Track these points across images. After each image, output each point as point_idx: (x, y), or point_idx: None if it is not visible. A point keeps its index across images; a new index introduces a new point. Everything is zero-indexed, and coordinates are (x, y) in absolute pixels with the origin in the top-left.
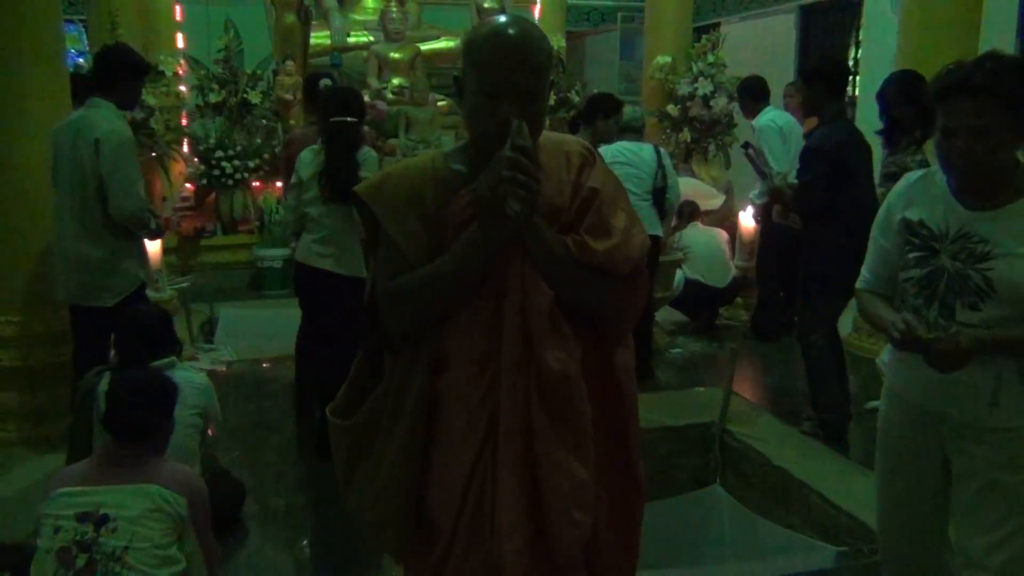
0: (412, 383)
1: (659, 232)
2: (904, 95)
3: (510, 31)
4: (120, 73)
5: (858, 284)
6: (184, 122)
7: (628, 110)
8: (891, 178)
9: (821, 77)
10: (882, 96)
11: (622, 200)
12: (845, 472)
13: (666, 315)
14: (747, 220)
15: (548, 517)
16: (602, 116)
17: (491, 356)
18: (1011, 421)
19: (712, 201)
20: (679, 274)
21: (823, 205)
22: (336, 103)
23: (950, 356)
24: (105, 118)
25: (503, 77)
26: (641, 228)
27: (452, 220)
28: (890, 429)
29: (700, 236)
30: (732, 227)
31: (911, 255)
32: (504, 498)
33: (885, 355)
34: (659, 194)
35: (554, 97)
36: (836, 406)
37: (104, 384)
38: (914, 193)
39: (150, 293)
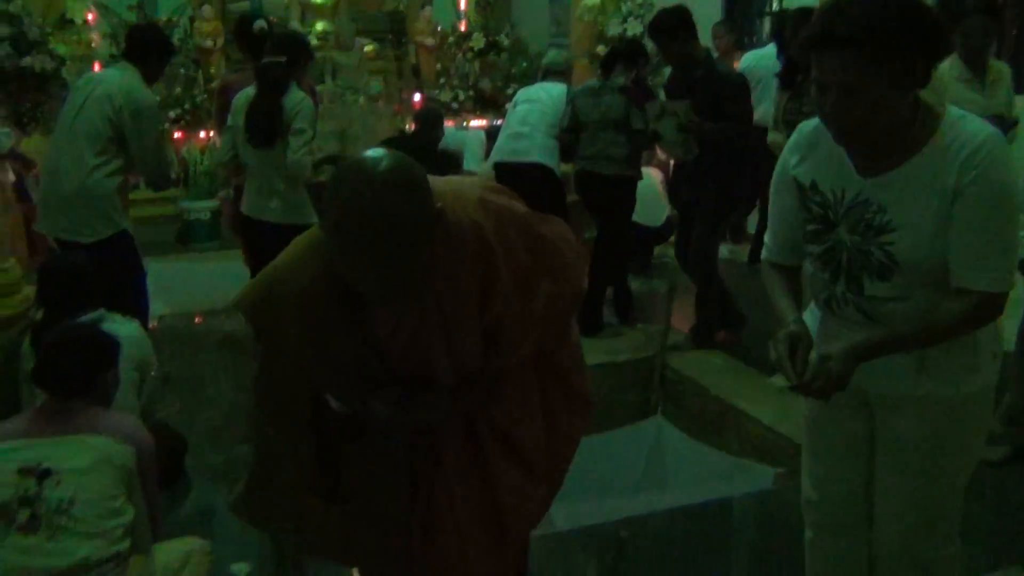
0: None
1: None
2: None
3: (364, 232)
4: (152, 49)
5: (763, 253)
6: None
7: (551, 53)
8: (789, 125)
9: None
10: (778, 35)
11: (542, 264)
12: (779, 397)
13: None
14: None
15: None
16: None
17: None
18: (939, 390)
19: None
20: None
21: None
22: (273, 44)
23: (827, 388)
24: (134, 84)
25: (367, 287)
26: (568, 281)
27: None
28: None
29: None
30: (666, 165)
31: (808, 228)
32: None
33: (807, 314)
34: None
35: (483, 40)
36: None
37: (27, 343)
38: (806, 149)
39: None
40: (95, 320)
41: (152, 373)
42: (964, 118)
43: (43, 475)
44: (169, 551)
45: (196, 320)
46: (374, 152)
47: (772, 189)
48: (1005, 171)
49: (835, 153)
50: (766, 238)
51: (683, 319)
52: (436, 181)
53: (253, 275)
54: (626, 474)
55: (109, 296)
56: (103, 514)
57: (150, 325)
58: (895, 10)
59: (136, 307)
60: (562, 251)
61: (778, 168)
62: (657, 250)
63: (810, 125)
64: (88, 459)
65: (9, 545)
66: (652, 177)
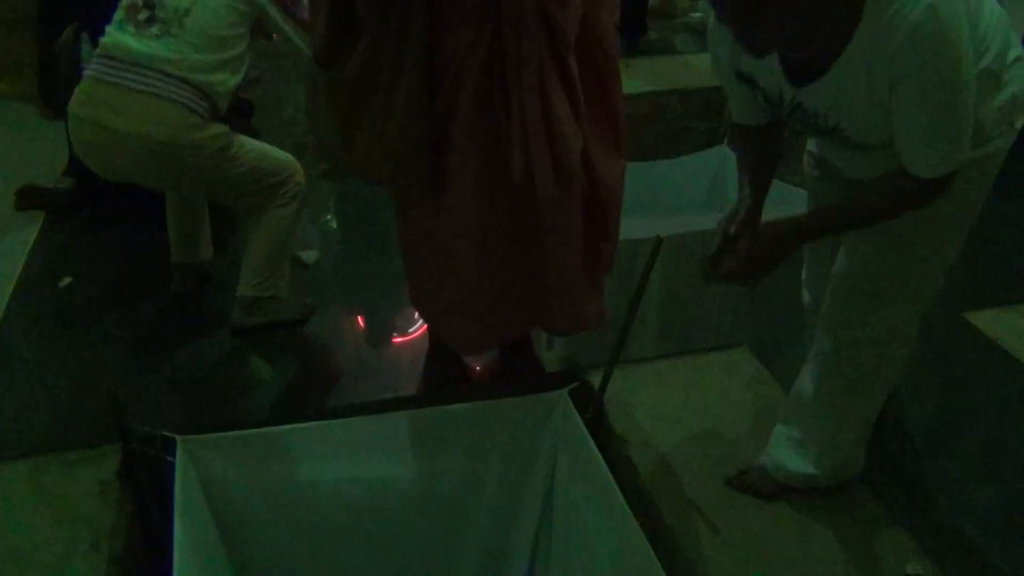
0: (407, 45)
1: None
2: None
3: None
4: None
5: (731, 119)
6: None
7: None
8: None
9: None
10: None
11: None
12: None
13: None
14: None
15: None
16: None
17: (487, 15)
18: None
19: None
20: None
21: None
22: None
23: (739, 270)
24: None
25: None
26: None
27: None
28: (811, 174)
29: None
30: None
31: (764, 106)
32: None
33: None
34: None
35: None
36: None
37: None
38: (736, 46)
39: None
40: None
41: None
42: None
43: None
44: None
45: None
46: None
47: (719, 79)
48: (943, 53)
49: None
50: (729, 104)
51: None
52: None
53: None
54: (689, 200)
55: None
56: (212, 38)
57: None
58: None
59: None
60: None
61: (712, 56)
62: None
63: None
64: None
65: (127, 34)
66: None
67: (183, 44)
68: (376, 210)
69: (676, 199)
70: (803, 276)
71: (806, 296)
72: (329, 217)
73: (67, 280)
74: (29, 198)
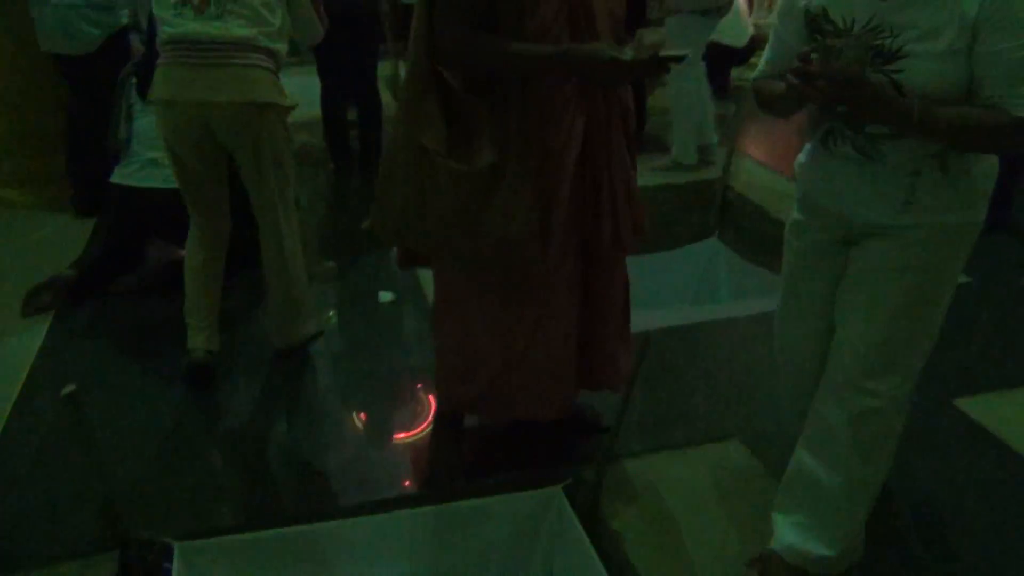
0: (527, 139)
1: None
2: None
3: None
4: None
5: (752, 77)
6: None
7: None
8: None
9: None
10: None
11: None
12: None
13: None
14: None
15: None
16: None
17: (579, 108)
18: (925, 219)
19: None
20: None
21: None
22: None
23: (841, 76)
24: None
25: None
26: None
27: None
28: (794, 235)
29: None
30: None
31: (812, 56)
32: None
33: (802, 156)
34: None
35: None
36: None
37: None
38: None
39: None
40: None
41: None
42: None
43: None
44: None
45: None
46: None
47: (777, 17)
48: None
49: None
50: (761, 64)
51: (750, 142)
52: None
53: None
54: (680, 291)
55: None
56: (264, 8)
57: None
58: None
59: None
60: None
61: None
62: (735, 72)
63: None
64: None
65: (188, 19)
66: None
67: (245, 20)
68: (371, 308)
69: (667, 291)
70: (784, 357)
71: (791, 371)
72: (332, 314)
73: (70, 387)
74: (34, 300)
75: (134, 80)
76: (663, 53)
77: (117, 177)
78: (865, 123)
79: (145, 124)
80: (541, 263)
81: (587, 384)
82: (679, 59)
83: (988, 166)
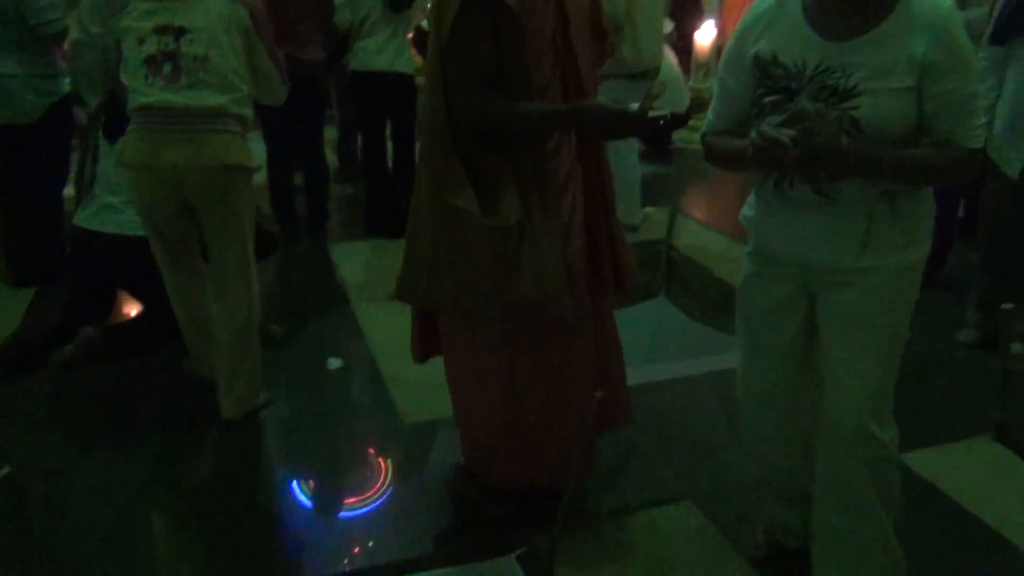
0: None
1: None
2: None
3: None
4: None
5: (702, 131)
6: None
7: None
8: None
9: None
10: None
11: None
12: None
13: None
14: (703, 38)
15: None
16: None
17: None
18: (881, 261)
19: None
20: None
21: None
22: None
23: (823, 150)
24: None
25: None
26: None
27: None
28: (752, 288)
29: None
30: (686, 46)
31: (766, 100)
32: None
33: (747, 209)
34: None
35: None
36: None
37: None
38: (765, 23)
39: None
40: None
41: None
42: None
43: (179, 33)
44: None
45: None
46: None
47: (722, 70)
48: (967, 39)
49: (796, 23)
50: (709, 116)
51: (690, 203)
52: None
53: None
54: (629, 351)
55: None
56: (233, 76)
57: None
58: None
59: None
60: None
61: (732, 48)
62: (676, 135)
63: (767, 2)
64: (212, 17)
65: (159, 88)
66: (669, 60)
67: (215, 89)
68: (320, 374)
69: None
70: (751, 407)
71: (756, 421)
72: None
73: (5, 470)
74: None
75: (103, 118)
76: (651, 114)
77: (78, 219)
78: (838, 180)
79: (108, 167)
80: (570, 311)
81: (600, 426)
82: (663, 117)
83: (927, 208)
